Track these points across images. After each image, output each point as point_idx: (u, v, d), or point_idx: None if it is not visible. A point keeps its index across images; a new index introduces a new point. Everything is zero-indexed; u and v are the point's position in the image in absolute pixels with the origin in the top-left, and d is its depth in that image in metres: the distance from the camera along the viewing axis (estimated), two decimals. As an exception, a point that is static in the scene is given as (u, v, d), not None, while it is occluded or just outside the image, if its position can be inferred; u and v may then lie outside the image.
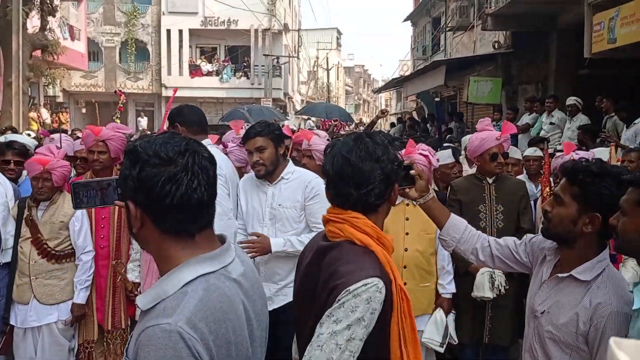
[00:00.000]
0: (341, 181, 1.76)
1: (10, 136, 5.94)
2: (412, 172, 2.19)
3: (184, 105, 3.78)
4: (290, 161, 3.57)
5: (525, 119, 10.14)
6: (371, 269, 1.65)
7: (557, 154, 4.99)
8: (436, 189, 4.51)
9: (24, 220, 3.78)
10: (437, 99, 16.30)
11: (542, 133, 9.07)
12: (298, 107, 37.20)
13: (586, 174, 1.98)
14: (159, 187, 1.25)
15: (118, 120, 14.71)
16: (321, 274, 1.73)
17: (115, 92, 16.97)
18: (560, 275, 2.06)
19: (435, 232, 3.54)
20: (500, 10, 11.27)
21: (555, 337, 2.01)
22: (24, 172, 4.60)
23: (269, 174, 3.42)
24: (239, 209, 3.60)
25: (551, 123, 8.98)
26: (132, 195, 1.29)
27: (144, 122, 25.91)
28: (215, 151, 3.67)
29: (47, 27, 15.73)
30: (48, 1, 15.31)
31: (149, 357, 1.17)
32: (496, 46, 13.17)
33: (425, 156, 3.63)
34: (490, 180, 3.85)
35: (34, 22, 15.64)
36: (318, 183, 3.36)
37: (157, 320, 1.20)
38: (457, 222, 2.36)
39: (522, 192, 3.91)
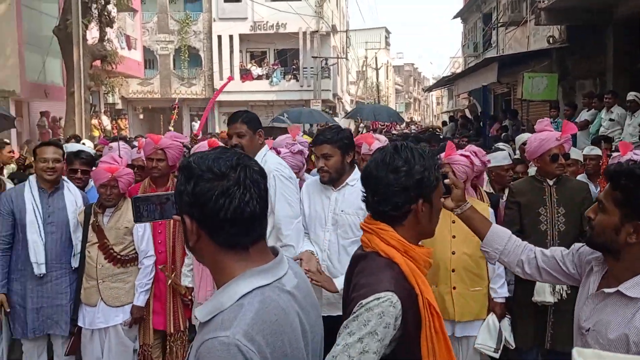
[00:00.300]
0: (364, 186, 1.84)
1: (70, 146, 6.20)
2: (446, 181, 2.12)
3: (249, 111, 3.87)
4: (357, 168, 3.52)
5: (584, 115, 9.84)
6: (387, 283, 1.65)
7: (614, 154, 4.83)
8: (491, 191, 4.44)
9: (90, 226, 3.96)
10: (484, 84, 15.76)
11: (602, 130, 8.78)
12: (348, 108, 37.23)
13: (630, 178, 1.77)
14: (213, 201, 1.28)
15: (172, 129, 15.24)
16: (351, 283, 1.78)
17: (173, 105, 17.55)
18: (606, 290, 1.87)
19: None
20: (554, 4, 10.96)
21: None
22: (90, 181, 4.78)
23: (333, 180, 3.40)
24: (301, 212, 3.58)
25: (610, 119, 8.70)
26: (188, 210, 1.33)
27: (197, 126, 26.52)
28: (277, 158, 3.75)
29: (106, 38, 16.38)
30: (106, 13, 15.94)
31: None
32: (551, 41, 12.78)
33: (467, 157, 3.55)
34: (550, 182, 3.73)
35: (93, 34, 16.30)
36: None
37: (215, 333, 1.22)
38: (499, 233, 2.23)
39: (585, 194, 3.77)
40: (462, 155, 3.54)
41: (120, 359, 3.98)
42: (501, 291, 3.59)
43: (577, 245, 2.11)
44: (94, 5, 15.34)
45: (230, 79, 13.19)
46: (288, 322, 1.33)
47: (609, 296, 1.85)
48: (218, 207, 1.28)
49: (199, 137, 10.65)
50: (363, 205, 3.20)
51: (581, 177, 4.98)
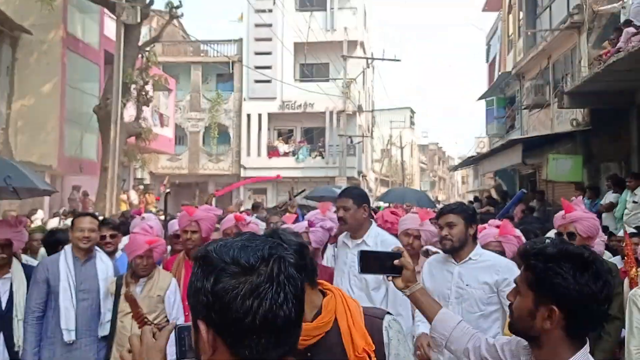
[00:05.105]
0: None
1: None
2: (395, 262, 2.10)
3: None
4: (479, 245, 3.55)
5: (609, 197, 9.86)
6: None
7: (642, 233, 4.84)
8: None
9: (122, 296, 4.03)
10: (508, 165, 15.90)
11: (626, 212, 8.78)
12: (372, 185, 37.51)
13: (538, 257, 1.65)
14: (239, 301, 1.03)
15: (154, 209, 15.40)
16: None
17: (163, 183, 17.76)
18: None
19: None
20: (576, 88, 11.22)
21: None
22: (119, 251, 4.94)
23: (454, 250, 3.40)
24: None
25: (634, 202, 8.71)
26: (205, 313, 1.07)
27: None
28: (388, 234, 4.02)
29: (141, 116, 17.13)
30: (144, 93, 16.76)
31: None
32: (574, 124, 12.95)
33: (518, 237, 3.80)
34: None
35: (129, 112, 17.07)
36: (511, 269, 3.30)
37: None
38: (446, 319, 2.14)
39: (613, 274, 3.74)
40: (515, 236, 3.77)
41: None
42: None
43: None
44: (133, 86, 16.16)
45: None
46: None
47: None
48: (244, 309, 1.03)
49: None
50: (488, 279, 3.31)
51: (616, 260, 4.94)
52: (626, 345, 3.39)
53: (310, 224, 4.31)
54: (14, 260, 4.21)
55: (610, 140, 12.06)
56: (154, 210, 18.28)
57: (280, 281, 1.06)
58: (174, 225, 5.02)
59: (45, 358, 4.01)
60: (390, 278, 2.14)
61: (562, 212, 3.81)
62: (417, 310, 3.55)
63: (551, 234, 5.12)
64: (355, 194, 3.88)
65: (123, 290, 4.06)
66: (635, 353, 3.33)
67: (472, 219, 3.44)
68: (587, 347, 1.65)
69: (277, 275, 1.06)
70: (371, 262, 2.04)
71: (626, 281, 4.08)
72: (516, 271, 3.31)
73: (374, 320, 1.90)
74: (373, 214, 5.18)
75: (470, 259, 3.39)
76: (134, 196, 20.86)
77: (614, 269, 3.88)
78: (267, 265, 1.06)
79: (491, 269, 3.32)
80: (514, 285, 3.07)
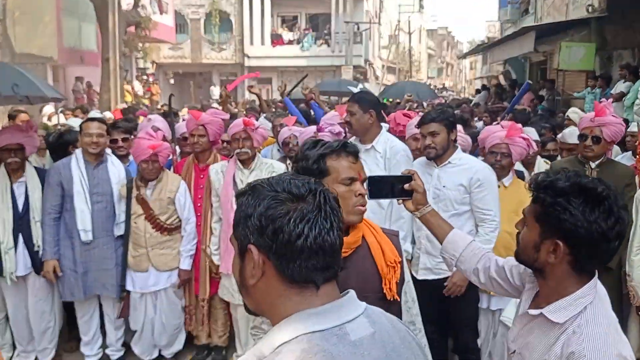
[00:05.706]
0: None
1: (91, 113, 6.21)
2: (406, 186, 2.12)
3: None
4: (459, 148, 3.66)
5: (620, 87, 9.68)
6: None
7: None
8: (523, 170, 4.47)
9: (134, 199, 4.18)
10: (520, 53, 15.46)
11: (637, 102, 8.65)
12: (379, 73, 36.87)
13: (547, 191, 1.60)
14: (292, 225, 1.11)
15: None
16: None
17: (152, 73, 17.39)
18: (531, 312, 1.69)
19: None
20: (595, -29, 10.68)
21: None
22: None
23: (438, 157, 3.53)
24: None
25: (646, 92, 8.55)
26: (256, 238, 1.14)
27: (215, 91, 24.74)
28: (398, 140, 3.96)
29: (140, 4, 16.53)
30: (140, -22, 16.09)
31: None
32: (589, 10, 12.48)
33: (526, 139, 3.72)
34: (593, 165, 3.69)
35: (127, 0, 16.47)
36: (485, 173, 3.49)
37: None
38: (456, 239, 2.13)
39: (629, 180, 3.72)
40: (522, 137, 3.70)
41: (172, 315, 4.35)
42: None
43: None
44: (129, -29, 15.49)
45: (258, 74, 13.95)
46: None
47: (534, 318, 1.70)
48: (297, 232, 1.11)
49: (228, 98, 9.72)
50: (464, 181, 3.45)
51: (626, 158, 4.88)
52: (630, 242, 3.46)
53: (320, 129, 4.28)
54: (27, 164, 4.27)
55: (625, 27, 11.65)
56: (157, 100, 18.22)
57: (327, 211, 1.15)
58: (182, 128, 5.00)
59: (68, 256, 4.21)
60: (400, 201, 2.16)
61: (590, 114, 3.72)
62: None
63: (569, 131, 5.03)
64: (362, 99, 3.83)
65: (134, 193, 4.18)
66: (636, 250, 3.44)
67: (453, 125, 3.54)
68: (595, 280, 1.63)
69: (323, 204, 1.15)
70: (380, 186, 2.09)
71: (636, 179, 3.99)
72: (491, 175, 3.49)
73: (392, 237, 2.11)
74: (385, 116, 5.11)
75: (449, 162, 3.53)
76: (138, 86, 20.72)
77: (630, 173, 3.82)
78: (314, 196, 1.16)
79: (468, 172, 3.47)
80: (485, 187, 3.20)
